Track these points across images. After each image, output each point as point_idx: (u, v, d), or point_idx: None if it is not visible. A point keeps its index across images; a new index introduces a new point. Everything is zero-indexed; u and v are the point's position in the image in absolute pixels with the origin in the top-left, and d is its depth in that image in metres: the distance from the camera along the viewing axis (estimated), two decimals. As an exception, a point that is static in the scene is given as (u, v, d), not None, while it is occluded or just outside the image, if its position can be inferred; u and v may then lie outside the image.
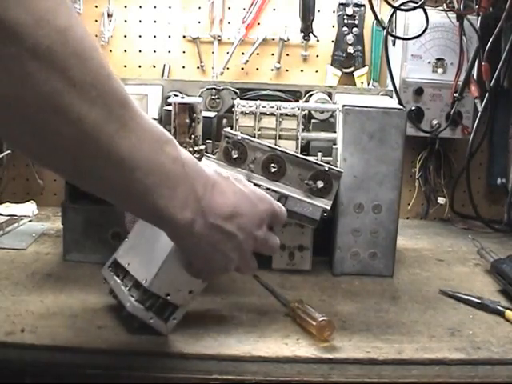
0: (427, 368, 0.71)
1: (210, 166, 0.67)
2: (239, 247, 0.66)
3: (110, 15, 1.29)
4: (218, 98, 1.13)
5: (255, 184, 0.91)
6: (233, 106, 1.05)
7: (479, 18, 1.20)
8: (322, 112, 1.09)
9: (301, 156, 0.95)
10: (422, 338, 0.77)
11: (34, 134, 0.50)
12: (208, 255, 0.65)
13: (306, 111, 1.09)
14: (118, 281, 0.78)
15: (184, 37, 1.32)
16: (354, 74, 1.31)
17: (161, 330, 0.74)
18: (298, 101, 1.11)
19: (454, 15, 1.22)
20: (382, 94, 1.16)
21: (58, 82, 0.47)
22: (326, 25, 1.31)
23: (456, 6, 1.21)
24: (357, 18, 1.29)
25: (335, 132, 1.03)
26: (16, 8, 0.44)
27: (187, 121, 1.00)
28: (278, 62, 1.32)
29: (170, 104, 1.04)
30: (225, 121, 1.10)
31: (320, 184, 0.92)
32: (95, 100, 0.50)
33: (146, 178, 0.55)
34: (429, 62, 1.26)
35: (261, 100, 1.04)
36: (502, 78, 1.25)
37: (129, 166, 0.54)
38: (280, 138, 1.02)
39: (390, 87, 1.24)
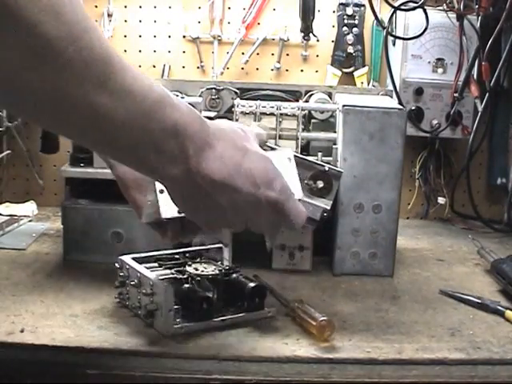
0: (427, 368, 0.71)
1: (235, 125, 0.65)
2: (231, 226, 0.65)
3: (110, 15, 1.29)
4: (218, 98, 1.13)
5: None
6: (233, 105, 1.05)
7: (479, 17, 1.20)
8: (322, 112, 1.09)
9: (301, 156, 0.95)
10: (422, 337, 0.77)
11: (8, 90, 0.48)
12: (198, 207, 0.62)
13: (306, 111, 1.09)
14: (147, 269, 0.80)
15: (184, 37, 1.32)
16: (354, 74, 1.31)
17: (164, 327, 0.74)
18: (297, 101, 1.11)
19: (454, 15, 1.22)
20: (382, 94, 1.16)
21: (29, 38, 0.45)
22: (326, 25, 1.31)
23: (456, 5, 1.21)
24: (357, 17, 1.29)
25: (335, 132, 1.03)
26: None
27: (187, 121, 1.00)
28: (278, 62, 1.32)
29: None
30: (225, 121, 1.10)
31: (320, 184, 0.92)
32: (72, 56, 0.48)
33: (128, 135, 0.54)
34: (429, 62, 1.26)
35: (261, 100, 1.04)
36: (502, 78, 1.25)
37: (109, 124, 0.53)
38: (280, 138, 1.02)
39: (390, 87, 1.24)
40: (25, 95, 0.49)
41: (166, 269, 0.83)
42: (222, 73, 1.30)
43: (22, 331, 0.73)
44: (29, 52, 0.46)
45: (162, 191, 0.72)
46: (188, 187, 0.59)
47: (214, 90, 1.13)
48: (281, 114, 1.03)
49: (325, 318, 0.75)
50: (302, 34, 1.29)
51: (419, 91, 1.25)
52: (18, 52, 0.45)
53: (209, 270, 0.82)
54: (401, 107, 0.99)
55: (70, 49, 0.47)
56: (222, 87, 1.13)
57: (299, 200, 0.72)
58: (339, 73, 1.30)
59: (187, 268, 0.82)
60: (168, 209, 0.72)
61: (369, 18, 1.29)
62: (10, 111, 0.54)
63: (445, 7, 1.22)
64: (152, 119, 0.55)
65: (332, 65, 1.31)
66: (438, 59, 1.26)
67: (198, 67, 1.33)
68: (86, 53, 0.49)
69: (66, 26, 0.47)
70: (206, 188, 0.59)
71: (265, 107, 1.03)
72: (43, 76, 0.47)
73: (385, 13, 1.25)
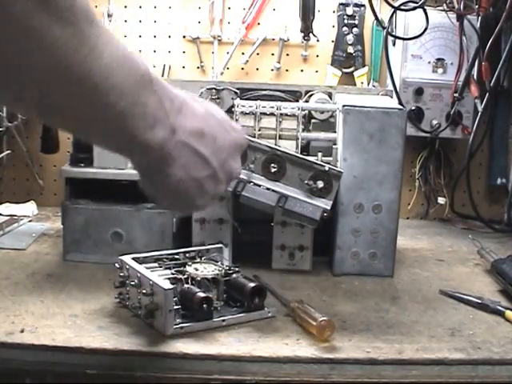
0: (427, 368, 0.71)
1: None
2: (215, 177, 0.63)
3: (110, 15, 1.29)
4: (218, 98, 1.13)
5: (255, 184, 0.92)
6: (233, 106, 1.05)
7: (479, 17, 1.20)
8: (322, 112, 1.09)
9: (301, 156, 0.95)
10: (422, 338, 0.77)
11: (4, 65, 0.45)
12: (181, 185, 0.61)
13: (306, 111, 1.09)
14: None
15: (184, 37, 1.32)
16: (354, 74, 1.31)
17: (164, 327, 0.74)
18: (297, 101, 1.11)
19: (454, 15, 1.22)
20: (382, 94, 1.16)
21: (28, 1, 0.43)
22: (326, 25, 1.31)
23: (456, 6, 1.21)
24: (357, 18, 1.29)
25: (335, 132, 1.03)
26: None
27: (187, 121, 1.00)
28: (278, 62, 1.32)
29: (170, 104, 1.04)
30: (225, 121, 1.10)
31: (320, 184, 0.92)
32: (68, 20, 0.46)
33: (120, 100, 0.52)
34: (429, 62, 1.26)
35: (261, 100, 1.04)
36: (502, 78, 1.25)
37: (102, 91, 0.51)
38: (280, 138, 1.02)
39: (390, 87, 1.24)
40: (18, 69, 0.46)
41: (165, 269, 0.83)
42: (222, 73, 1.30)
43: (22, 331, 0.73)
44: (27, 16, 0.43)
45: None
46: (171, 151, 0.59)
47: (214, 90, 1.13)
48: (281, 114, 1.02)
49: (325, 318, 0.75)
50: (302, 34, 1.29)
51: (419, 91, 1.25)
52: (13, 14, 0.43)
53: (209, 270, 0.82)
54: (401, 107, 0.99)
55: (66, 13, 0.46)
56: (222, 87, 1.13)
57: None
58: (339, 73, 1.30)
59: (187, 268, 0.82)
60: None
61: (369, 18, 1.29)
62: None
63: (445, 7, 1.22)
64: (136, 78, 0.54)
65: (332, 65, 1.31)
66: (438, 59, 1.26)
67: (198, 67, 1.33)
68: (80, 15, 0.47)
69: None
70: (188, 142, 0.60)
71: (265, 107, 1.03)
72: (41, 44, 0.45)
73: (385, 13, 1.25)
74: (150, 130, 0.56)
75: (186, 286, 0.79)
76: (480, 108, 1.22)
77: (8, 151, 1.28)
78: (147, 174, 0.62)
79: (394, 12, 1.20)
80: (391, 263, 0.98)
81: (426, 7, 1.15)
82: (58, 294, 0.85)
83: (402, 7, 1.16)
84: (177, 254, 0.87)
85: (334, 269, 0.98)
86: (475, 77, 1.24)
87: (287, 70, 1.33)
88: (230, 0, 1.31)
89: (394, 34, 1.22)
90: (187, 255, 0.87)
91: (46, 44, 0.45)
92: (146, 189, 0.64)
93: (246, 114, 1.02)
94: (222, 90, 1.13)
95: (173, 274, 0.81)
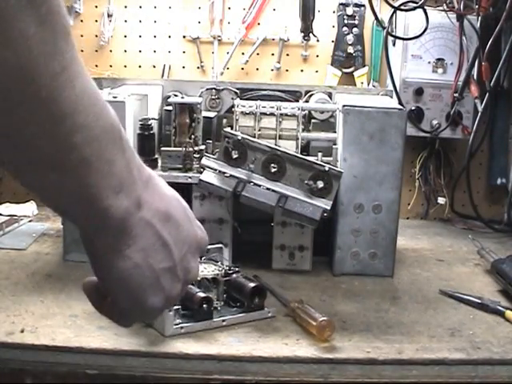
0: (427, 368, 0.71)
1: None
2: (173, 271, 0.51)
3: (110, 15, 1.29)
4: (218, 98, 1.13)
5: (255, 184, 0.92)
6: (233, 106, 1.05)
7: (479, 18, 1.20)
8: (322, 112, 1.09)
9: (301, 156, 0.95)
10: (422, 338, 0.77)
11: None
12: (136, 272, 0.49)
13: (306, 111, 1.09)
14: None
15: (184, 37, 1.32)
16: (354, 74, 1.31)
17: (164, 327, 0.74)
18: (297, 101, 1.11)
19: (454, 15, 1.22)
20: (382, 94, 1.16)
21: None
22: (326, 25, 1.31)
23: (456, 6, 1.21)
24: (357, 18, 1.29)
25: (335, 132, 1.03)
26: None
27: (187, 121, 1.00)
28: (278, 62, 1.32)
29: (170, 104, 1.04)
30: (225, 121, 1.10)
31: (320, 184, 0.92)
32: (44, 18, 0.37)
33: (86, 145, 0.42)
34: (429, 62, 1.26)
35: (261, 100, 1.04)
36: (502, 78, 1.25)
37: (69, 127, 0.41)
38: (280, 138, 1.02)
39: (390, 87, 1.24)
40: None
41: (166, 269, 0.83)
42: (222, 73, 1.30)
43: (22, 331, 0.73)
44: None
45: None
46: (140, 228, 0.48)
47: (213, 90, 1.13)
48: (281, 114, 1.02)
49: (325, 318, 0.75)
50: (302, 34, 1.29)
51: (419, 91, 1.25)
52: None
53: (209, 270, 0.82)
54: (401, 107, 0.99)
55: (43, 8, 0.38)
56: (222, 87, 1.14)
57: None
58: (339, 73, 1.30)
59: (187, 268, 0.82)
60: None
61: (369, 18, 1.29)
62: None
63: (445, 7, 1.22)
64: (107, 125, 0.44)
65: (332, 65, 1.31)
66: (438, 59, 1.26)
67: (198, 67, 1.33)
68: (57, 19, 0.39)
69: None
70: (151, 222, 0.49)
71: (265, 107, 1.03)
72: (7, 35, 0.36)
73: (385, 13, 1.24)
74: (114, 195, 0.45)
75: (185, 286, 0.79)
76: (480, 108, 1.22)
77: (8, 151, 1.28)
78: (99, 255, 0.49)
79: (394, 12, 1.20)
80: (391, 263, 0.98)
81: (425, 7, 1.15)
82: (58, 294, 0.85)
83: (402, 7, 1.16)
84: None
85: (334, 269, 0.98)
86: (475, 77, 1.24)
87: (287, 70, 1.33)
88: (230, 0, 1.31)
89: (394, 34, 1.22)
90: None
91: (12, 36, 0.36)
92: (97, 276, 0.51)
93: (246, 114, 1.02)
94: (222, 90, 1.14)
95: (173, 274, 0.81)
